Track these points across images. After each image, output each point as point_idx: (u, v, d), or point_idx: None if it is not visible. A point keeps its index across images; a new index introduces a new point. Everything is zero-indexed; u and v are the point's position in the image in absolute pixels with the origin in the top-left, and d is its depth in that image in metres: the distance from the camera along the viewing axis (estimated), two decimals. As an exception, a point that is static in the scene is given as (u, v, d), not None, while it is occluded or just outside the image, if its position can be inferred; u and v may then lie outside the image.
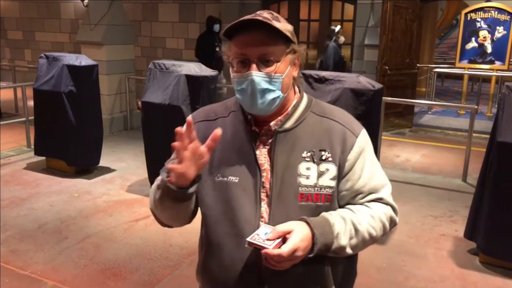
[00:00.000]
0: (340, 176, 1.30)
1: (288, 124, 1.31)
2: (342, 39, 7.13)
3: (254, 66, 1.23)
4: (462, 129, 7.70)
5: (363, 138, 1.33)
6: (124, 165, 5.66)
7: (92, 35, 7.09)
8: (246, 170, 1.29)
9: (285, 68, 1.26)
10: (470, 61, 8.87)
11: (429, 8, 10.25)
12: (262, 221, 1.27)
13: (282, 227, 1.18)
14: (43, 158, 5.50)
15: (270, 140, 1.31)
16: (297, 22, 8.93)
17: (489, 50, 8.69)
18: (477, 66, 8.87)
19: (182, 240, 3.71)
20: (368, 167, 1.33)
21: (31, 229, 3.90)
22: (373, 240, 1.31)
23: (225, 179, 1.30)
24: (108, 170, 5.46)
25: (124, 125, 7.52)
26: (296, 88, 1.37)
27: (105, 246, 3.65)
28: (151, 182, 4.75)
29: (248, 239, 1.18)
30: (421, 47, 8.79)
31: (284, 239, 1.17)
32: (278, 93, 1.26)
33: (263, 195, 1.29)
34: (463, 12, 8.96)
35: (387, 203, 1.35)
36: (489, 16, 8.62)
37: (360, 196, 1.33)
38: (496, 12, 8.57)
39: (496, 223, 3.33)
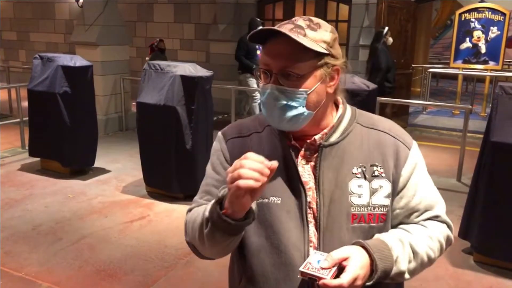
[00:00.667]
0: (394, 193, 1.19)
1: (334, 137, 1.18)
2: (390, 40, 6.86)
3: (274, 79, 1.12)
4: (456, 129, 7.73)
5: (416, 151, 1.24)
6: (119, 166, 5.65)
7: (86, 35, 7.07)
8: (289, 190, 1.16)
9: (313, 84, 1.13)
10: (465, 61, 8.92)
11: (423, 9, 10.29)
12: (311, 247, 1.15)
13: (338, 254, 1.05)
14: (38, 159, 5.48)
15: (314, 155, 1.18)
16: (292, 23, 8.98)
17: (483, 50, 8.73)
18: (471, 66, 8.91)
19: (177, 241, 3.71)
20: (422, 182, 1.23)
21: (26, 230, 3.88)
22: (431, 262, 1.19)
23: (266, 200, 1.16)
24: (103, 171, 5.44)
25: (119, 126, 7.51)
26: (340, 99, 1.25)
27: (100, 247, 3.64)
28: (146, 183, 4.78)
29: (301, 268, 1.04)
30: (415, 47, 8.83)
31: (339, 267, 1.04)
32: (301, 109, 1.13)
33: (310, 217, 1.16)
34: (457, 12, 9.01)
35: (443, 221, 1.25)
36: (483, 17, 8.66)
37: (416, 214, 1.22)
38: (490, 13, 8.62)
39: (490, 223, 3.35)
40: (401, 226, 1.22)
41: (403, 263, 1.13)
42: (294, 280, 1.13)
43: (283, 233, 1.15)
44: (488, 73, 8.86)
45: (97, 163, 5.45)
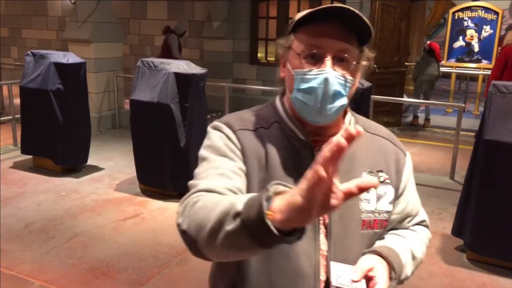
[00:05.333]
0: (395, 199, 1.19)
1: None
2: None
3: (328, 62, 1.03)
4: (449, 127, 7.76)
5: (410, 158, 1.24)
6: (113, 164, 5.62)
7: (79, 32, 7.02)
8: None
9: (356, 74, 1.09)
10: (458, 60, 8.96)
11: (417, 7, 10.31)
12: (320, 255, 1.10)
13: (365, 265, 1.05)
14: (30, 156, 5.44)
15: None
16: (286, 21, 8.95)
17: (476, 49, 8.78)
18: (465, 64, 8.96)
19: (171, 238, 3.70)
20: (414, 188, 1.25)
21: (18, 228, 3.85)
22: (421, 263, 1.24)
23: None
24: (96, 168, 5.41)
25: (113, 123, 7.47)
26: None
27: (93, 245, 3.62)
28: (140, 181, 4.76)
29: (335, 284, 1.03)
30: (409, 45, 8.85)
31: (365, 277, 1.04)
32: (345, 100, 1.06)
33: (320, 223, 1.11)
34: (451, 11, 9.05)
35: (426, 225, 1.30)
36: (476, 15, 8.70)
37: (408, 219, 1.24)
38: (483, 11, 8.67)
39: (483, 220, 3.36)
40: (393, 231, 1.23)
41: (409, 269, 1.16)
42: None
43: None
44: (481, 72, 8.90)
45: (90, 161, 5.41)
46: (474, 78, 9.59)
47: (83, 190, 4.76)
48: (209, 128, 1.18)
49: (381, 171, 1.16)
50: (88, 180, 5.07)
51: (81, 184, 4.94)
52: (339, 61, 1.04)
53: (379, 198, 1.15)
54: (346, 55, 1.04)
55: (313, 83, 1.03)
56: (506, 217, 3.27)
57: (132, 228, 3.93)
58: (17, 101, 5.51)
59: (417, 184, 1.26)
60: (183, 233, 0.99)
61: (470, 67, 8.98)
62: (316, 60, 1.04)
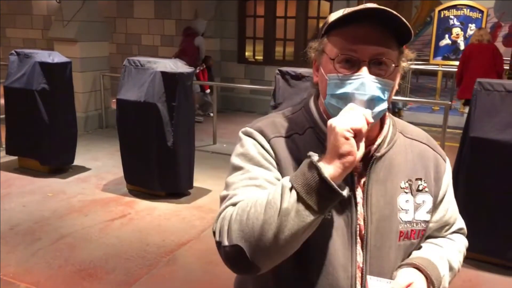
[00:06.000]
0: (434, 207, 1.16)
1: (383, 148, 1.09)
2: None
3: (365, 67, 0.99)
4: (436, 125, 7.81)
5: (449, 164, 1.21)
6: (99, 164, 5.57)
7: (65, 31, 6.94)
8: (339, 204, 1.00)
9: (396, 77, 1.05)
10: (444, 58, 9.03)
11: (403, 6, 10.37)
12: (356, 266, 1.08)
13: (404, 280, 1.03)
14: (15, 157, 5.37)
15: (363, 166, 1.08)
16: (274, 19, 8.94)
17: (462, 47, 8.85)
18: (451, 62, 9.03)
19: (159, 239, 3.67)
20: (452, 195, 1.22)
21: (3, 230, 3.79)
22: (458, 273, 1.23)
23: None
24: (83, 169, 5.36)
25: (99, 123, 7.40)
26: None
27: (80, 246, 3.58)
28: (127, 181, 4.73)
29: None
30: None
31: None
32: (385, 105, 1.02)
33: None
34: (437, 9, 9.12)
35: (464, 233, 1.28)
36: (461, 14, 8.79)
37: (446, 228, 1.22)
38: (468, 10, 8.75)
39: (470, 217, 3.37)
40: (430, 240, 1.20)
41: (447, 280, 1.15)
42: None
43: (330, 252, 1.05)
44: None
45: (77, 161, 5.36)
46: (460, 76, 9.67)
47: (69, 190, 4.71)
48: (241, 134, 1.13)
49: (420, 179, 1.12)
50: (75, 180, 5.02)
51: (67, 184, 4.89)
52: (376, 64, 1.00)
53: (417, 207, 1.11)
54: (384, 58, 1.00)
55: (348, 88, 0.99)
56: (492, 213, 3.31)
57: (120, 229, 3.89)
58: (1, 101, 5.43)
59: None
60: (227, 249, 0.96)
61: (456, 65, 9.06)
62: (352, 64, 1.00)
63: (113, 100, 5.63)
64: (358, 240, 1.07)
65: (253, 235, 0.92)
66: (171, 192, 4.53)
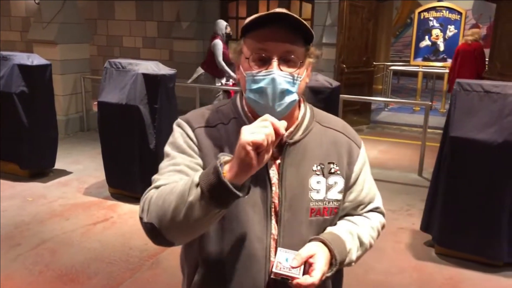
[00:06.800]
0: (346, 188, 1.29)
1: (298, 135, 1.24)
2: None
3: (275, 64, 1.14)
4: (417, 125, 7.92)
5: (364, 150, 1.35)
6: (81, 167, 5.50)
7: (44, 33, 6.85)
8: (255, 184, 1.17)
9: (304, 71, 1.19)
10: (424, 59, 9.16)
11: (384, 7, 10.49)
12: (271, 239, 1.21)
13: (305, 252, 1.15)
14: (-6, 161, 5.27)
15: (278, 151, 1.21)
16: (256, 21, 9.00)
17: (441, 48, 8.99)
18: (431, 63, 9.17)
19: (141, 242, 3.64)
20: (368, 177, 1.35)
21: (-18, 236, 3.73)
22: (370, 248, 1.34)
23: None
24: (64, 172, 5.29)
25: (80, 126, 7.32)
26: (301, 97, 1.30)
27: (62, 251, 3.53)
28: (109, 184, 4.68)
29: (274, 269, 1.13)
30: (377, 45, 8.99)
31: (305, 263, 1.14)
32: (295, 96, 1.17)
33: (272, 211, 1.22)
34: (417, 11, 9.24)
35: (381, 212, 1.40)
36: (441, 16, 8.92)
37: (361, 206, 1.35)
38: (447, 12, 8.89)
39: (450, 215, 3.45)
40: (347, 217, 1.33)
41: (354, 254, 1.26)
42: (254, 271, 1.20)
43: (248, 226, 1.19)
44: (447, 70, 9.12)
45: (58, 165, 5.29)
46: (440, 76, 9.82)
47: (50, 194, 4.65)
48: (174, 125, 1.29)
49: (332, 163, 1.26)
50: (56, 184, 4.96)
51: (48, 188, 4.82)
52: (285, 61, 1.15)
53: (329, 188, 1.25)
54: (292, 56, 1.15)
55: (262, 84, 1.14)
56: (471, 212, 3.36)
57: (102, 233, 3.85)
58: (-21, 104, 5.33)
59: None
60: (145, 225, 1.12)
61: (436, 66, 9.19)
62: (264, 62, 1.15)
63: (95, 103, 5.58)
64: (273, 215, 1.21)
65: (165, 218, 1.07)
66: (154, 195, 4.49)
